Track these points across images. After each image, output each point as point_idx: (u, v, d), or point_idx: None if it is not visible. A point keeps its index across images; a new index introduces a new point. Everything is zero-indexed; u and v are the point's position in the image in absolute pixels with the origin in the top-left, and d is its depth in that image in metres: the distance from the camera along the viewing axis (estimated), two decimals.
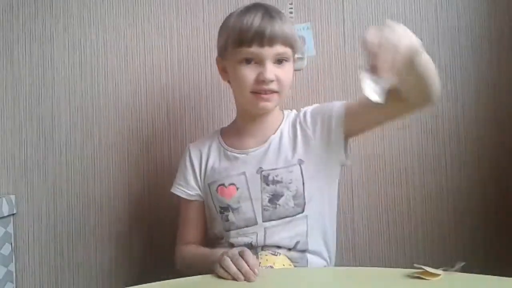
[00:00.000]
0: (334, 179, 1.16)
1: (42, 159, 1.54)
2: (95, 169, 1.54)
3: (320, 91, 1.50)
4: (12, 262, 1.51)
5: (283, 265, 0.96)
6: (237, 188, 1.09)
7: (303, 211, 1.06)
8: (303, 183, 1.06)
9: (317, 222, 1.09)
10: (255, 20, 1.02)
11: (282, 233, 1.05)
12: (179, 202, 1.24)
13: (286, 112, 1.19)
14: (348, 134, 1.08)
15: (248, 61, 1.03)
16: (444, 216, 1.48)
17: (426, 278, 0.78)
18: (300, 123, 1.12)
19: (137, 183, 1.53)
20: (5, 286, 1.47)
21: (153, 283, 0.86)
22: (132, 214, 1.53)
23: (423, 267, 0.80)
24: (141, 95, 1.53)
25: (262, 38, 1.01)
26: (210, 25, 1.51)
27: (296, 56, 1.13)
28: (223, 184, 1.11)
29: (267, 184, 1.06)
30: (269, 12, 1.04)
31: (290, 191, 1.05)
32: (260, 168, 1.08)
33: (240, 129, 1.17)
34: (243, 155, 1.11)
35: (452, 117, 1.48)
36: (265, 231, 1.06)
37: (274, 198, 1.06)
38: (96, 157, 1.54)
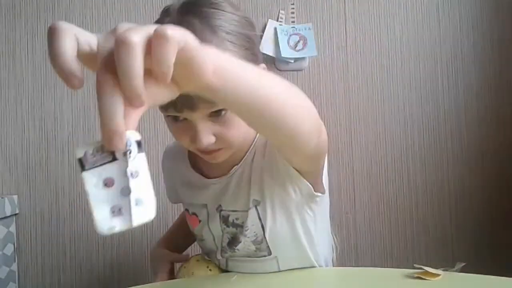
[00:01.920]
0: (308, 210, 0.88)
1: (44, 160, 1.54)
2: None
3: (321, 91, 1.50)
4: (15, 262, 1.52)
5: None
6: (200, 221, 0.93)
7: (270, 254, 0.87)
8: (263, 228, 0.85)
9: (293, 259, 0.90)
10: None
11: (248, 270, 0.91)
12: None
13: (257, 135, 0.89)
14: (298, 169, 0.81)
15: (175, 117, 0.75)
16: (445, 215, 1.48)
17: (427, 278, 0.77)
18: (253, 161, 0.86)
19: None
20: (7, 286, 1.47)
21: (154, 283, 0.86)
22: None
23: (423, 267, 0.80)
24: None
25: (175, 107, 0.70)
26: None
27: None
28: (187, 210, 0.96)
29: (227, 225, 0.89)
30: None
31: (248, 237, 0.86)
32: (220, 206, 0.89)
33: None
34: (202, 185, 0.91)
35: (454, 117, 1.48)
36: (227, 262, 0.93)
37: (232, 243, 0.89)
38: None
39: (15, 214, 1.52)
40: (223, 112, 0.73)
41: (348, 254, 1.48)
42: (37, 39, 1.55)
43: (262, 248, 0.87)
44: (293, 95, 0.60)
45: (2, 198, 1.45)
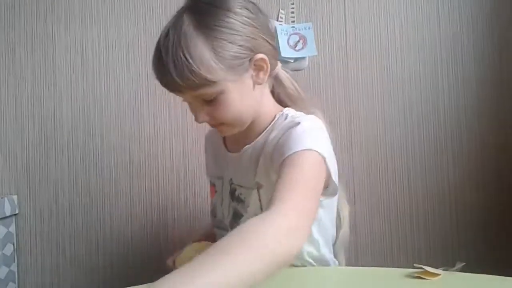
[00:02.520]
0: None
1: (44, 159, 1.54)
2: (97, 169, 1.54)
3: (321, 90, 1.50)
4: (14, 262, 1.51)
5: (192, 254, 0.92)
6: (216, 191, 1.00)
7: None
8: (261, 209, 0.88)
9: None
10: (152, 63, 0.83)
11: None
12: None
13: (278, 115, 0.92)
14: None
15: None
16: (445, 216, 1.48)
17: (426, 278, 0.77)
18: (266, 144, 0.89)
19: (139, 183, 1.53)
20: (7, 286, 1.47)
21: (153, 283, 0.85)
22: (134, 214, 1.53)
23: (423, 266, 0.79)
24: (143, 94, 1.54)
25: (168, 89, 0.83)
26: None
27: (255, 59, 0.84)
28: (210, 181, 1.05)
29: (233, 199, 0.93)
30: (161, 57, 0.79)
31: (248, 214, 0.89)
32: (231, 179, 0.95)
33: None
34: (225, 157, 0.98)
35: (454, 117, 1.48)
36: None
37: (236, 216, 0.92)
38: (98, 157, 1.54)
39: (15, 214, 1.52)
40: (211, 98, 0.82)
41: (349, 254, 1.47)
42: (37, 39, 1.55)
43: None
44: (269, 263, 0.60)
45: (1, 198, 1.45)
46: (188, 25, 0.79)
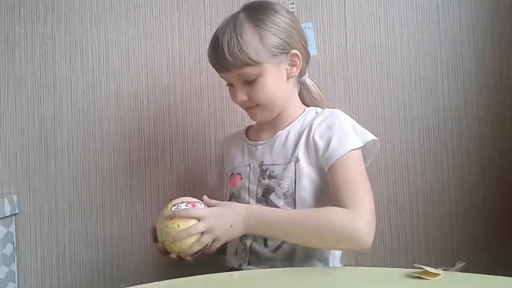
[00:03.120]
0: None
1: (44, 159, 1.54)
2: (97, 169, 1.54)
3: (321, 90, 1.49)
4: (14, 262, 1.51)
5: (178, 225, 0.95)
6: (241, 178, 1.12)
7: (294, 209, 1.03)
8: (295, 182, 1.03)
9: None
10: (209, 46, 1.07)
11: None
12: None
13: (308, 108, 1.15)
14: None
15: (228, 83, 1.10)
16: (445, 215, 1.48)
17: (426, 278, 0.77)
18: (310, 128, 1.07)
19: (139, 183, 1.53)
20: (7, 286, 1.47)
21: (154, 283, 0.86)
22: (133, 214, 1.53)
23: (423, 267, 0.80)
24: (143, 95, 1.54)
25: (216, 66, 1.06)
26: (212, 26, 1.51)
27: (291, 53, 1.06)
28: (233, 173, 1.16)
29: (263, 178, 1.08)
30: (222, 33, 1.02)
31: (281, 187, 1.04)
32: (262, 162, 1.10)
33: (259, 124, 1.20)
34: (252, 148, 1.14)
35: (454, 116, 1.48)
36: None
37: (266, 192, 1.06)
38: (98, 157, 1.54)
39: (15, 214, 1.52)
40: (252, 79, 1.03)
41: (348, 254, 1.47)
42: (36, 39, 1.55)
43: (289, 203, 1.03)
44: (324, 229, 0.91)
45: (1, 198, 1.45)
46: (243, 18, 1.03)
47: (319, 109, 1.14)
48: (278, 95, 1.07)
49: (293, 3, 1.50)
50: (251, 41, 1.00)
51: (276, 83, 1.06)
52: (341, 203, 0.94)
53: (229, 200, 1.14)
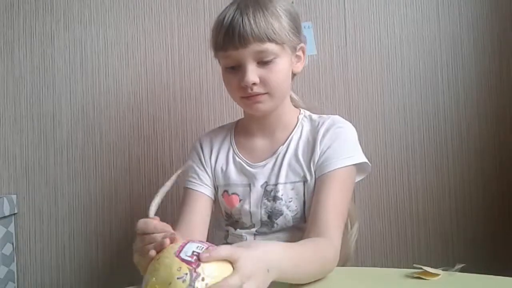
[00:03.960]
0: None
1: (43, 159, 1.54)
2: (96, 169, 1.54)
3: (321, 90, 1.50)
4: (13, 261, 1.51)
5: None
6: (240, 200, 1.03)
7: (302, 227, 0.97)
8: (304, 203, 0.98)
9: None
10: (226, 19, 0.95)
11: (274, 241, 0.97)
12: (184, 196, 1.08)
13: (301, 115, 1.07)
14: None
15: (229, 66, 0.97)
16: (446, 215, 1.47)
17: (426, 278, 0.77)
18: (315, 144, 1.00)
19: (138, 183, 1.53)
20: (6, 286, 1.47)
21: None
22: (133, 213, 1.53)
23: (422, 267, 0.79)
24: (142, 94, 1.54)
25: (232, 40, 0.92)
26: (211, 23, 1.49)
27: (299, 46, 1.00)
28: (226, 191, 1.05)
29: (268, 200, 1.00)
30: (244, 6, 0.94)
31: (290, 210, 0.99)
32: (266, 182, 1.01)
33: (248, 129, 1.08)
34: (251, 170, 1.03)
35: (454, 115, 1.48)
36: (254, 236, 1.01)
37: (273, 215, 0.99)
38: (97, 156, 1.54)
39: (14, 214, 1.52)
40: (269, 59, 0.94)
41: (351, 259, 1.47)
42: (35, 38, 1.54)
43: (298, 225, 0.99)
44: (322, 267, 0.81)
45: (0, 197, 1.45)
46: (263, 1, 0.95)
47: (313, 116, 1.07)
48: (285, 86, 1.00)
49: (292, 2, 1.50)
50: (276, 18, 0.93)
51: (287, 70, 0.98)
52: (317, 220, 0.89)
53: (226, 216, 1.06)
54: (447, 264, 0.83)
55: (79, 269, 1.54)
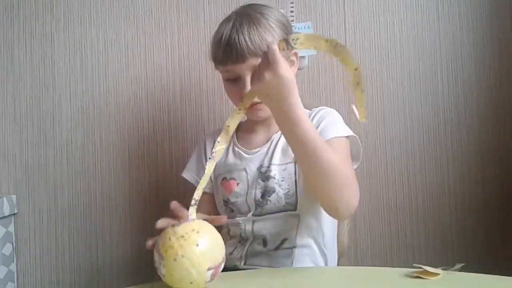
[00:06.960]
0: None
1: (43, 159, 1.54)
2: (96, 169, 1.54)
3: (321, 90, 1.50)
4: (13, 262, 1.51)
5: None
6: (237, 184, 1.11)
7: (295, 209, 1.05)
8: (296, 182, 1.05)
9: (311, 221, 1.07)
10: (223, 37, 1.03)
11: (271, 228, 1.06)
12: (186, 190, 1.13)
13: None
14: None
15: (231, 79, 1.06)
16: (445, 215, 1.48)
17: (426, 277, 0.77)
18: None
19: (138, 183, 1.53)
20: (6, 286, 1.47)
21: (154, 283, 0.86)
22: (133, 213, 1.53)
23: (422, 266, 0.79)
24: (142, 94, 1.54)
25: (230, 56, 1.01)
26: (211, 24, 1.51)
27: (292, 52, 1.07)
28: (225, 178, 1.13)
29: (262, 180, 1.07)
30: (239, 24, 1.02)
31: (282, 188, 1.05)
32: (261, 165, 1.09)
33: (249, 126, 1.18)
34: (247, 155, 1.12)
35: (454, 116, 1.48)
36: (253, 223, 1.07)
37: (266, 193, 1.06)
38: (97, 156, 1.54)
39: (14, 214, 1.52)
40: None
41: (348, 254, 1.47)
42: (35, 39, 1.54)
43: (291, 203, 1.05)
44: (342, 170, 0.86)
45: (0, 197, 1.45)
46: (251, 12, 1.04)
47: (308, 111, 1.13)
48: None
49: (292, 3, 1.50)
50: (269, 31, 1.02)
51: None
52: None
53: (224, 206, 1.13)
54: (447, 264, 0.83)
55: (79, 269, 1.54)
